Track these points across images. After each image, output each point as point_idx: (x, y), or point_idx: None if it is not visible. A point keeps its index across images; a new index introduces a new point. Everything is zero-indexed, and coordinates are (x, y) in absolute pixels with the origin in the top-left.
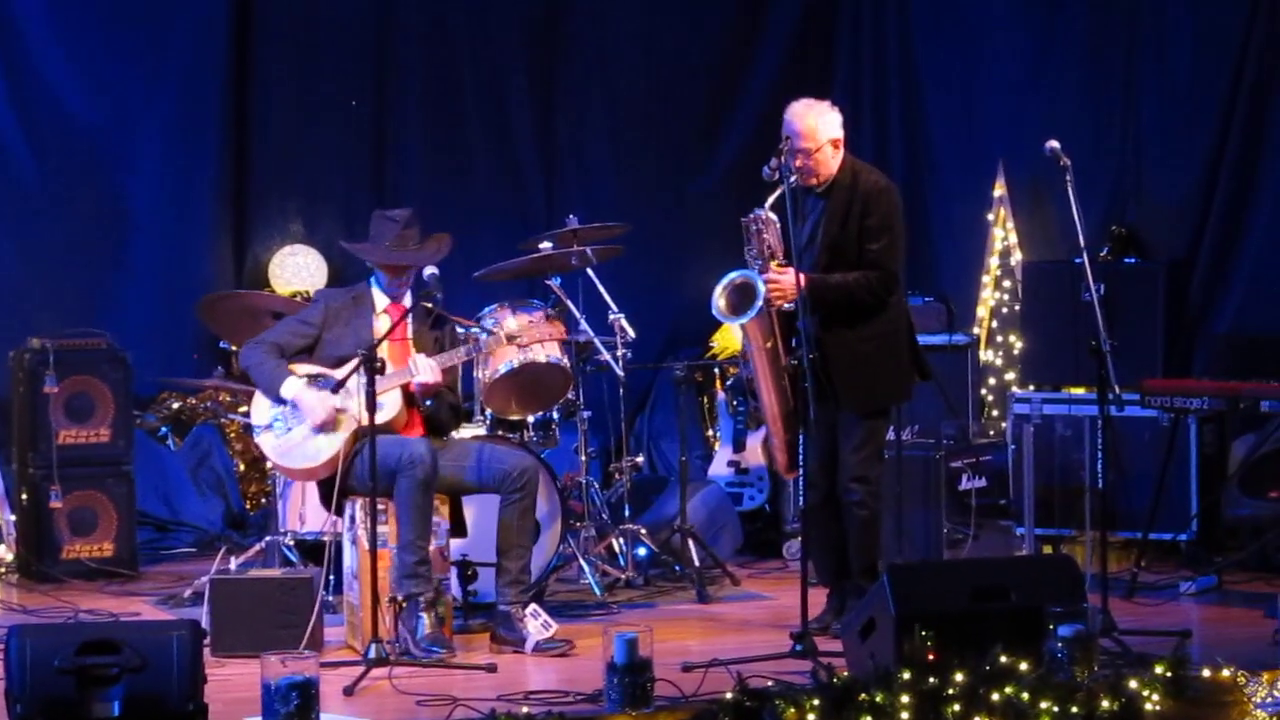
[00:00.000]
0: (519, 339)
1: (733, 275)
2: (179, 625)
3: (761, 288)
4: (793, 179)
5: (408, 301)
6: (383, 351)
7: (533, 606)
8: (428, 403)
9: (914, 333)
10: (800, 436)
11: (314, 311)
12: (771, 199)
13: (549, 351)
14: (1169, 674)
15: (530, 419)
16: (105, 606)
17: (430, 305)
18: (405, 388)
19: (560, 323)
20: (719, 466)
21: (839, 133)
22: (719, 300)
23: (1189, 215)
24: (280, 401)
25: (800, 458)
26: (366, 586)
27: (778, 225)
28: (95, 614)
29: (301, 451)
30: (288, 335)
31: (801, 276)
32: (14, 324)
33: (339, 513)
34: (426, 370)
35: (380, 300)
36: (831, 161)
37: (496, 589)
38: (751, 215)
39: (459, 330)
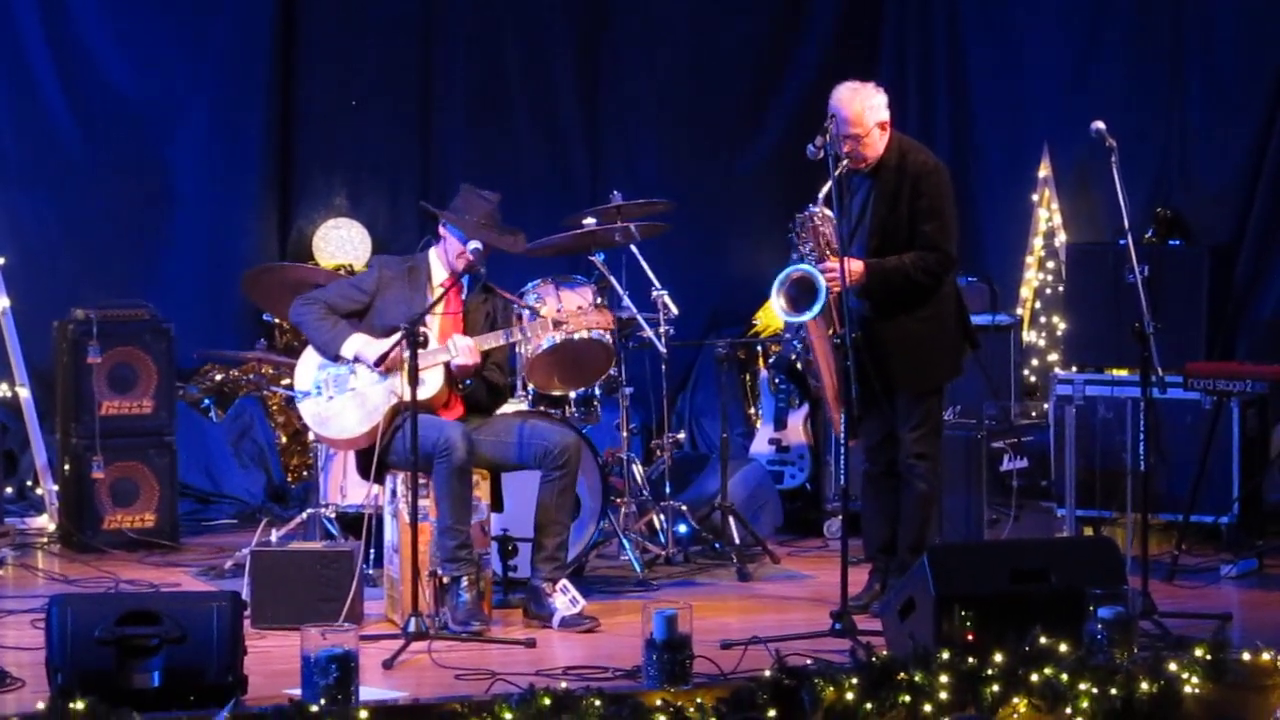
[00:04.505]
0: (565, 325)
1: (789, 270)
2: (219, 597)
3: (823, 282)
4: (844, 164)
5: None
6: (433, 324)
7: (563, 582)
8: (466, 383)
9: (963, 305)
10: (856, 413)
11: (368, 278)
12: (823, 193)
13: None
14: (1209, 657)
15: (572, 395)
16: (146, 577)
17: (480, 280)
18: (447, 366)
19: (608, 311)
20: (760, 444)
21: (885, 115)
22: (778, 300)
23: (1234, 198)
24: (335, 360)
25: (844, 434)
26: (407, 560)
27: (833, 219)
28: (136, 585)
29: (340, 422)
30: (338, 297)
31: (859, 263)
32: (58, 295)
33: (379, 481)
34: (464, 352)
35: (438, 273)
36: (879, 143)
37: (532, 565)
38: (806, 213)
39: (509, 308)
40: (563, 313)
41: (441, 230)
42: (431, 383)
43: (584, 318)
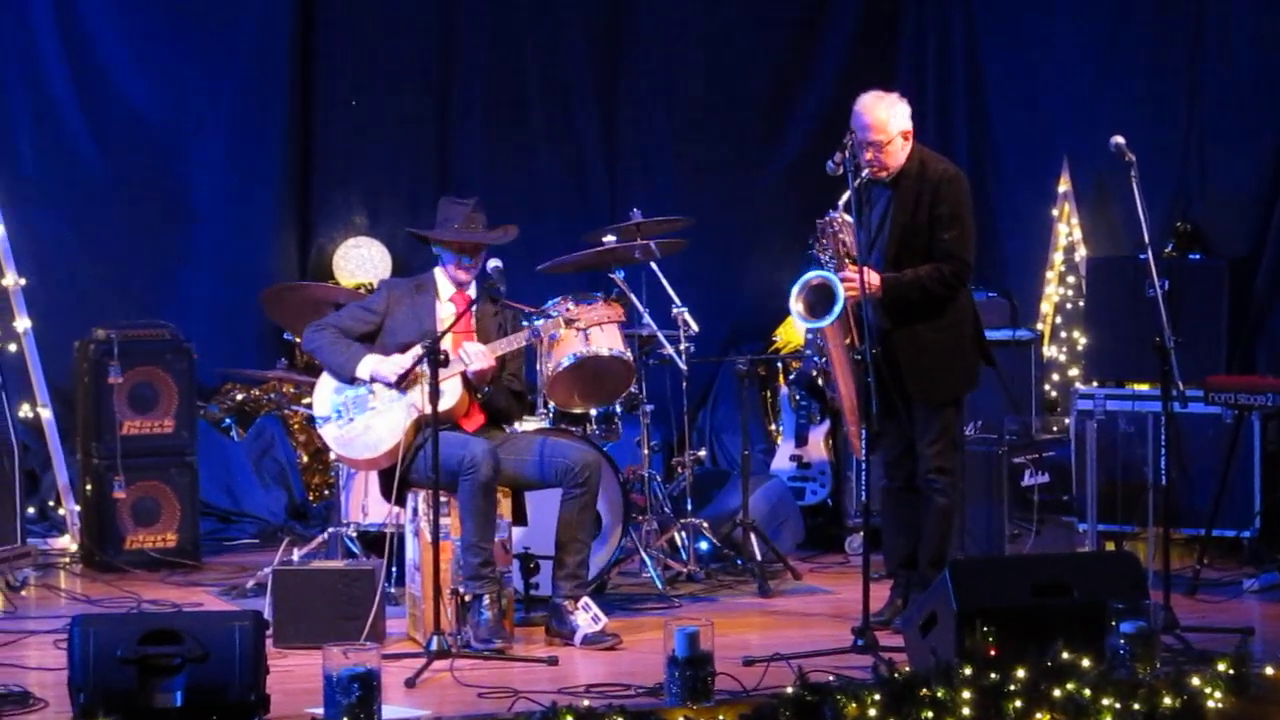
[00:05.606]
0: (577, 322)
1: (808, 276)
2: (241, 616)
3: (841, 289)
4: (865, 173)
5: (473, 291)
6: (446, 340)
7: (584, 600)
8: (485, 389)
9: (979, 319)
10: (874, 427)
11: (377, 299)
12: (844, 199)
13: (612, 344)
14: (1231, 671)
15: (593, 412)
16: (168, 597)
17: (495, 296)
18: (464, 374)
19: (618, 304)
20: (781, 461)
21: (909, 124)
22: (796, 304)
23: (1253, 212)
24: (351, 382)
25: (865, 448)
26: (428, 578)
27: (853, 226)
28: (158, 604)
29: (363, 441)
30: (349, 321)
31: (876, 277)
32: (79, 315)
33: (399, 503)
34: (478, 357)
35: (445, 288)
36: (901, 153)
37: (553, 582)
38: (827, 218)
39: (519, 317)
40: (573, 310)
41: (435, 249)
42: (450, 392)
43: (594, 312)
